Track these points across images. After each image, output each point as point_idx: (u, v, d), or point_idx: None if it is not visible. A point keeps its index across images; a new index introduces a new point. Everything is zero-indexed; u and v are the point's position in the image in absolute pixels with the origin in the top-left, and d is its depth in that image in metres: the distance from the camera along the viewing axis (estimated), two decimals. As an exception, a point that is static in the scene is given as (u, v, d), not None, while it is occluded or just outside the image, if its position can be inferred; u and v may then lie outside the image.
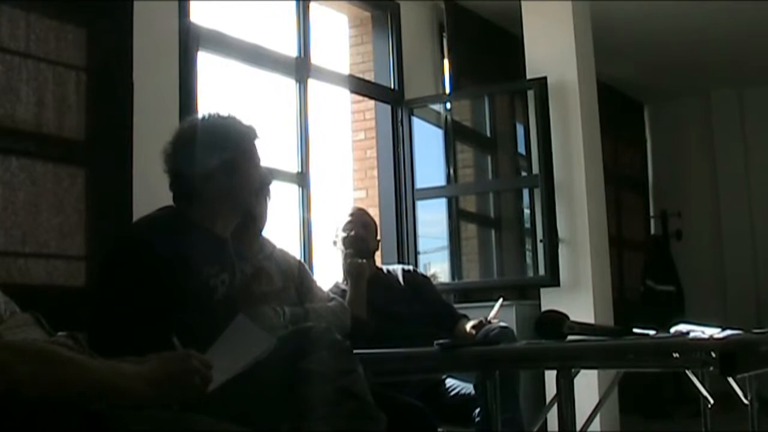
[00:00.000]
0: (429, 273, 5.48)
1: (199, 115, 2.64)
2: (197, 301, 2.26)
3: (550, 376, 3.45)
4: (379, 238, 3.91)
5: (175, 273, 2.23)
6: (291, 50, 4.80)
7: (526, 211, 6.11)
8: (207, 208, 2.48)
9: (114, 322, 2.22)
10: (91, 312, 2.35)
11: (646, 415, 6.97)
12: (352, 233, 3.70)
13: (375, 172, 5.65)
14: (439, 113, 5.86)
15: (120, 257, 2.36)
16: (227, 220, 2.53)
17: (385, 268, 3.91)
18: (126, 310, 2.20)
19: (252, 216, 2.81)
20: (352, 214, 3.80)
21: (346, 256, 3.67)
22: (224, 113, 2.56)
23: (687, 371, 3.26)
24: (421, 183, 5.57)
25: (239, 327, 2.14)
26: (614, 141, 7.94)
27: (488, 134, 6.37)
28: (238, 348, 2.03)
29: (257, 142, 2.55)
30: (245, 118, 2.58)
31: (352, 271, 3.62)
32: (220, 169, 2.45)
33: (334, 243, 3.75)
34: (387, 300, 3.63)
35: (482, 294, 5.31)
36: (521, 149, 6.28)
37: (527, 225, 6.07)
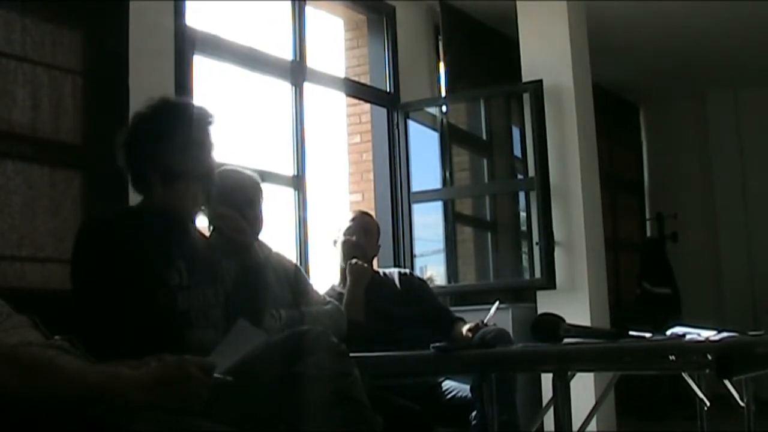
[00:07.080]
0: (425, 276, 5.48)
1: (149, 103, 2.48)
2: (151, 289, 2.24)
3: (547, 379, 3.45)
4: (380, 243, 3.88)
5: (131, 258, 2.21)
6: (286, 53, 4.80)
7: (522, 214, 6.11)
8: (163, 197, 2.39)
9: (87, 309, 2.22)
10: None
11: (642, 418, 6.97)
12: (353, 239, 3.69)
13: (371, 176, 5.65)
14: (434, 116, 5.86)
15: (79, 247, 2.34)
16: (185, 206, 2.44)
17: (381, 271, 3.90)
18: (94, 295, 2.21)
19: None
20: (353, 219, 3.76)
21: (348, 263, 3.64)
22: (176, 99, 2.49)
23: (683, 374, 3.27)
24: (416, 186, 5.56)
25: (240, 330, 2.14)
26: (610, 143, 7.95)
27: (484, 137, 6.37)
28: (239, 351, 2.03)
29: (211, 128, 2.45)
30: (199, 104, 2.49)
31: (354, 272, 3.60)
32: (171, 156, 2.37)
33: (334, 242, 3.74)
34: (383, 303, 3.62)
35: (478, 297, 5.30)
36: (517, 152, 6.27)
37: (523, 228, 6.08)
